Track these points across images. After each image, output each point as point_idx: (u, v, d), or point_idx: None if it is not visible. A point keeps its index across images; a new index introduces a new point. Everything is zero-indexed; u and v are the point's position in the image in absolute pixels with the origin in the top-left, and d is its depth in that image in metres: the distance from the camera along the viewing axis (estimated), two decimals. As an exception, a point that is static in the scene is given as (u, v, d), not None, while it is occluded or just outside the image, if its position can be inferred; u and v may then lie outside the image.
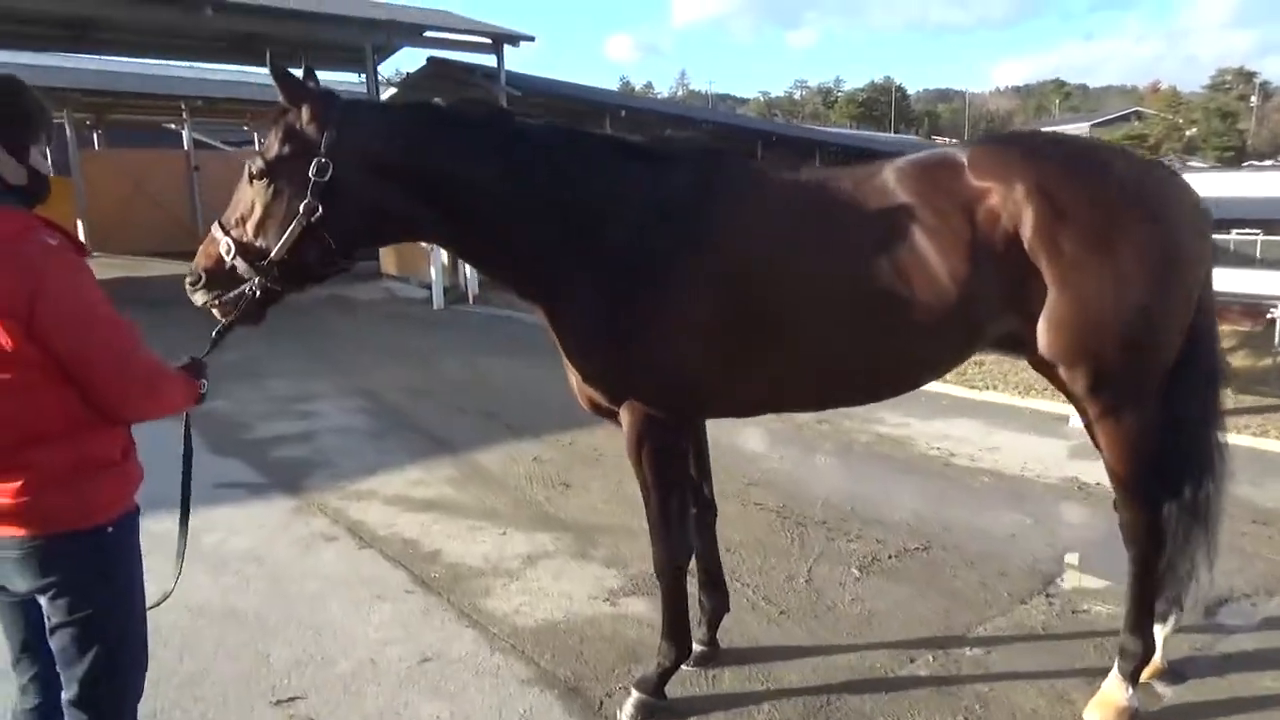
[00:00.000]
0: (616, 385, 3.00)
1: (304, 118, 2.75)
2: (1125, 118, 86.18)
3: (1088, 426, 3.17)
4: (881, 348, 2.93)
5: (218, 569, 4.55)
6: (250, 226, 2.76)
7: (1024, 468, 5.99)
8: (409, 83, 21.30)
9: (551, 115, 21.08)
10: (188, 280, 2.79)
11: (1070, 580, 4.33)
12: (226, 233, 2.77)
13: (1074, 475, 5.79)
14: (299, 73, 2.83)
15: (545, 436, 6.98)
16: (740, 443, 6.58)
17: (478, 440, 6.93)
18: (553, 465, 6.30)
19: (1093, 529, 4.95)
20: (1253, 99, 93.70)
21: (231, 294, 2.74)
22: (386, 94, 20.08)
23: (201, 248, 2.82)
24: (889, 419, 7.15)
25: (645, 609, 4.10)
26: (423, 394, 8.57)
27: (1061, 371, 2.89)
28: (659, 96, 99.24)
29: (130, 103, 25.41)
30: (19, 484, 1.96)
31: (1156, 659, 3.31)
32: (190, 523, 2.56)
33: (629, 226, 2.90)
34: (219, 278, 2.76)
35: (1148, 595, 3.17)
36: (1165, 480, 3.03)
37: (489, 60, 18.63)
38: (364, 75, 18.64)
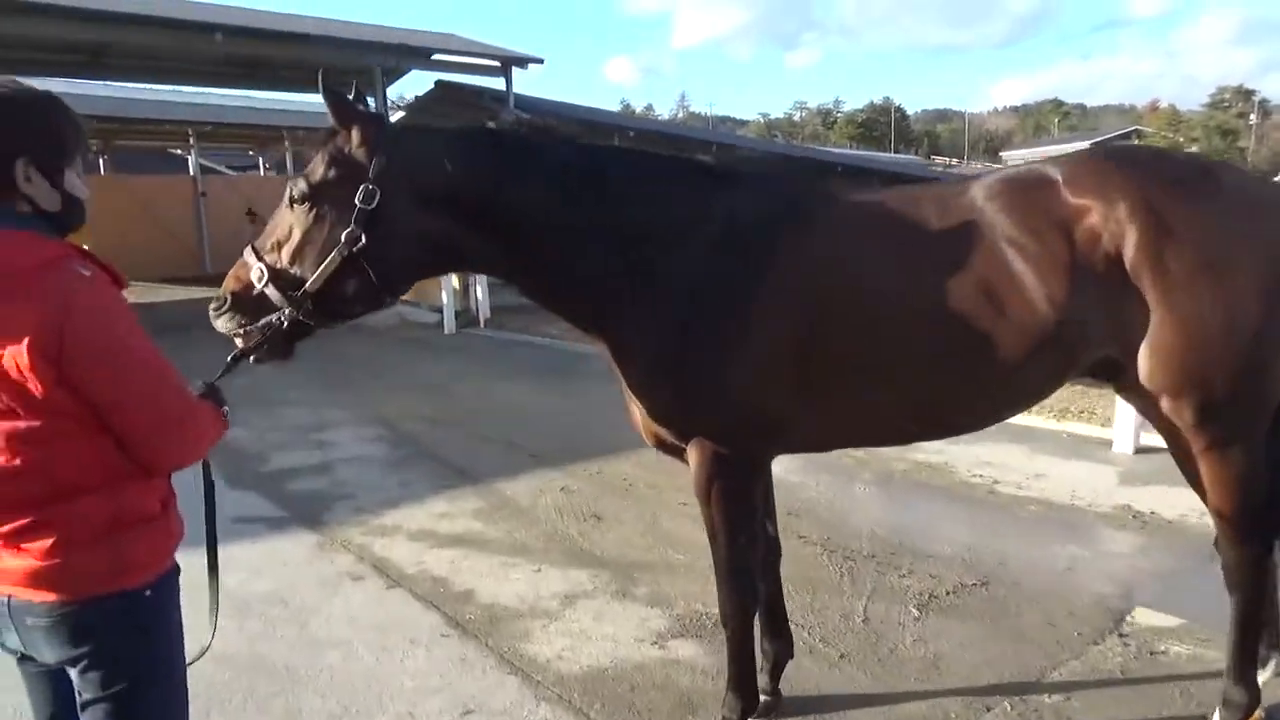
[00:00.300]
0: (684, 421, 2.80)
1: (353, 141, 2.59)
2: (1126, 136, 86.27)
3: (1181, 460, 2.96)
4: (971, 378, 2.73)
5: (241, 613, 4.32)
6: (286, 253, 2.59)
7: (1073, 495, 5.76)
8: (417, 106, 21.22)
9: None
10: (212, 305, 2.62)
11: (1142, 618, 4.10)
12: (260, 258, 2.60)
13: (1126, 503, 5.56)
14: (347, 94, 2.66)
15: (571, 465, 6.77)
16: (774, 469, 6.35)
17: (501, 470, 6.71)
18: (582, 496, 6.07)
19: (1155, 561, 4.73)
20: (1252, 117, 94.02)
21: (259, 323, 2.56)
22: (395, 117, 20.01)
23: (232, 271, 2.65)
24: (925, 445, 6.91)
25: (696, 653, 3.87)
26: (440, 421, 8.36)
27: (1164, 402, 2.68)
28: (659, 118, 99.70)
29: (138, 128, 25.38)
30: (48, 544, 1.76)
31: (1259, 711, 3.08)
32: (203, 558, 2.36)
33: (698, 252, 2.72)
34: (247, 304, 2.58)
35: (1251, 641, 2.96)
36: (1275, 519, 2.82)
37: (496, 83, 18.56)
38: (372, 99, 18.64)
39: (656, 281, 2.72)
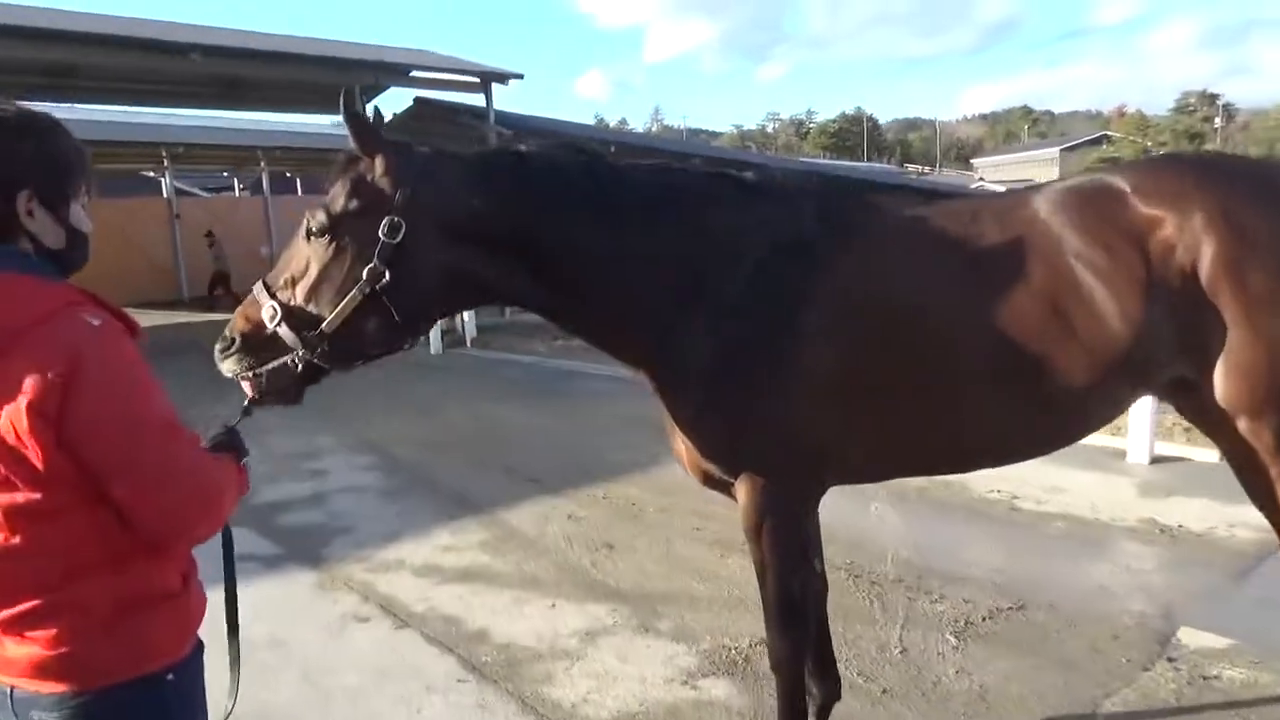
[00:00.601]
0: (734, 453, 2.61)
1: (377, 170, 2.39)
2: (1095, 141, 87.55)
3: (1250, 482, 2.80)
4: (1038, 402, 2.56)
5: (243, 660, 4.06)
6: (302, 290, 2.38)
7: (1095, 510, 5.62)
8: (395, 124, 20.96)
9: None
10: (217, 347, 2.40)
11: (1188, 639, 3.94)
12: (272, 295, 2.39)
13: (1150, 517, 5.43)
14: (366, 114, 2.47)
15: (575, 490, 6.55)
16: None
17: (503, 497, 6.49)
18: (590, 523, 5.86)
19: (1191, 577, 4.59)
20: (1217, 120, 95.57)
21: (270, 365, 2.35)
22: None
23: (239, 310, 2.44)
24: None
25: (730, 692, 3.68)
26: (435, 447, 8.12)
27: (1242, 423, 2.52)
28: (634, 131, 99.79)
29: (109, 151, 24.96)
30: (55, 630, 1.53)
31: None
32: (217, 608, 2.13)
33: (746, 273, 2.54)
34: (257, 345, 2.37)
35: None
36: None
37: (474, 99, 18.37)
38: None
39: (703, 307, 2.54)
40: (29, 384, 1.44)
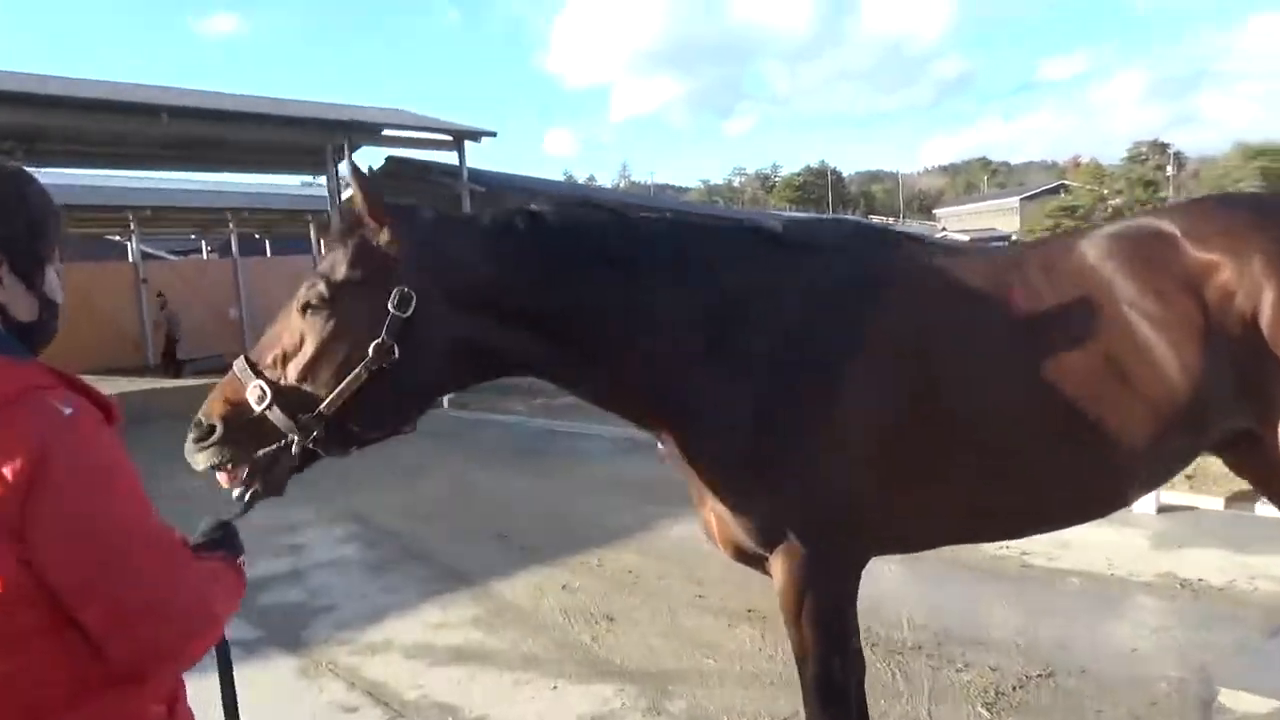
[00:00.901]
0: (771, 522, 2.40)
1: (383, 236, 2.20)
2: (1053, 190, 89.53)
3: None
4: (1094, 462, 2.39)
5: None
6: (296, 367, 2.16)
7: (1110, 565, 5.44)
8: (367, 183, 20.80)
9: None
10: (190, 436, 2.14)
11: (1229, 701, 3.75)
12: (259, 373, 2.16)
13: (1169, 570, 5.26)
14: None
15: (568, 559, 6.28)
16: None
17: (493, 568, 6.19)
18: (587, 594, 5.58)
19: (1220, 635, 4.40)
20: (1169, 169, 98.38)
21: (260, 453, 2.11)
22: (347, 194, 19.63)
23: (216, 393, 2.18)
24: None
25: (756, 782, 3.41)
26: (418, 515, 7.80)
27: None
28: (602, 188, 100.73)
29: (77, 215, 24.64)
30: None
31: None
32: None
33: (780, 329, 2.37)
34: (240, 431, 2.12)
35: None
36: None
37: (446, 156, 18.33)
38: (321, 175, 18.30)
39: (736, 365, 2.36)
40: None
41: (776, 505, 2.39)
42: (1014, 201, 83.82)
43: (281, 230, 31.07)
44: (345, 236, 2.23)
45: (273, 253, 32.09)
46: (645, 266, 2.36)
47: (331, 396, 2.13)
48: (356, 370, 2.13)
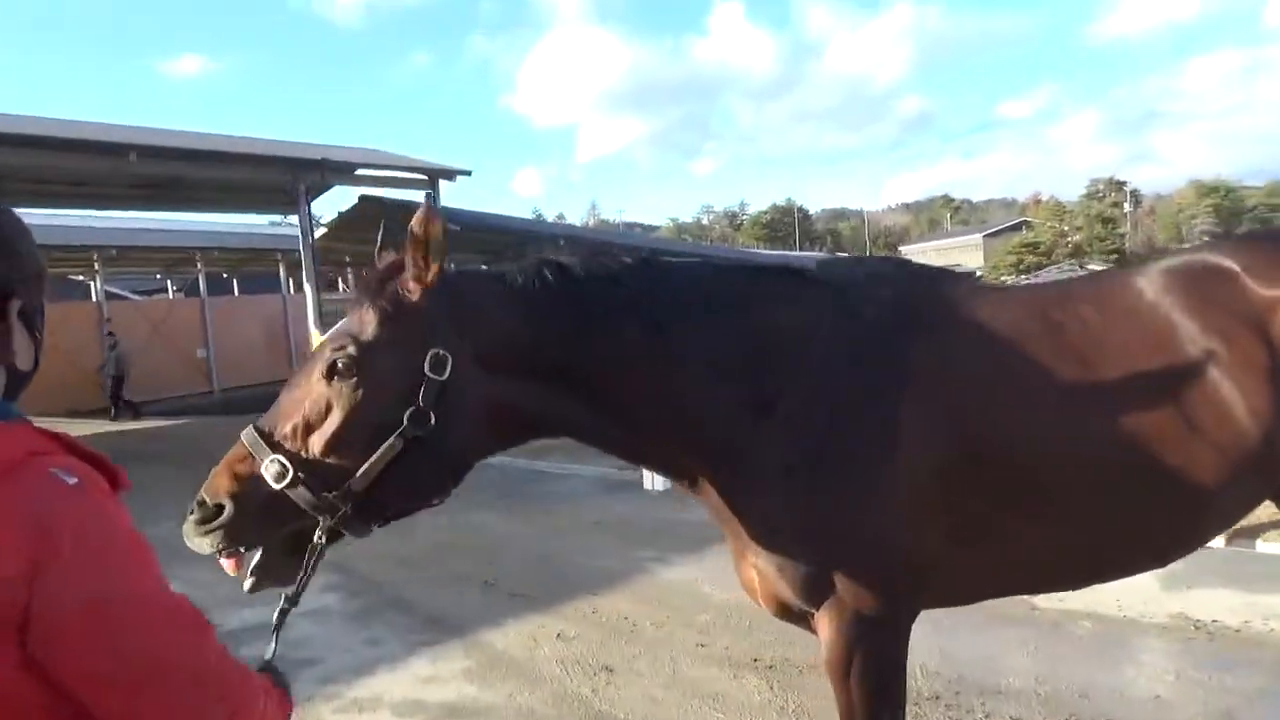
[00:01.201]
0: (818, 576, 2.25)
1: (415, 293, 2.06)
2: (1015, 227, 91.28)
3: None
4: (1156, 509, 2.28)
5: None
6: (321, 439, 1.98)
7: (1120, 606, 5.32)
8: (340, 222, 20.65)
9: (493, 249, 20.68)
10: (191, 518, 1.94)
11: (1261, 753, 3.63)
12: (275, 446, 1.97)
13: (1180, 611, 5.16)
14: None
15: (560, 606, 6.06)
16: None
17: (483, 616, 5.96)
18: (583, 643, 5.37)
19: (1242, 679, 4.30)
20: (1126, 206, 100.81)
21: (277, 536, 1.94)
22: (318, 234, 19.42)
23: (221, 468, 1.99)
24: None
25: None
26: (403, 561, 7.51)
27: None
28: (573, 226, 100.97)
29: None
30: None
31: None
32: None
33: (825, 373, 2.24)
34: (255, 513, 1.93)
35: None
36: None
37: (420, 195, 18.19)
38: (292, 215, 18.08)
39: (779, 414, 2.22)
40: None
41: (824, 559, 2.24)
42: (977, 238, 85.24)
43: (249, 270, 30.70)
44: (374, 293, 2.08)
45: (240, 292, 31.66)
46: (681, 315, 2.24)
47: (364, 470, 1.95)
48: (390, 440, 1.96)
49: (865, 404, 2.23)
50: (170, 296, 31.92)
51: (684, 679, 4.76)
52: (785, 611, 2.41)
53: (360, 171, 17.63)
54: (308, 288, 16.21)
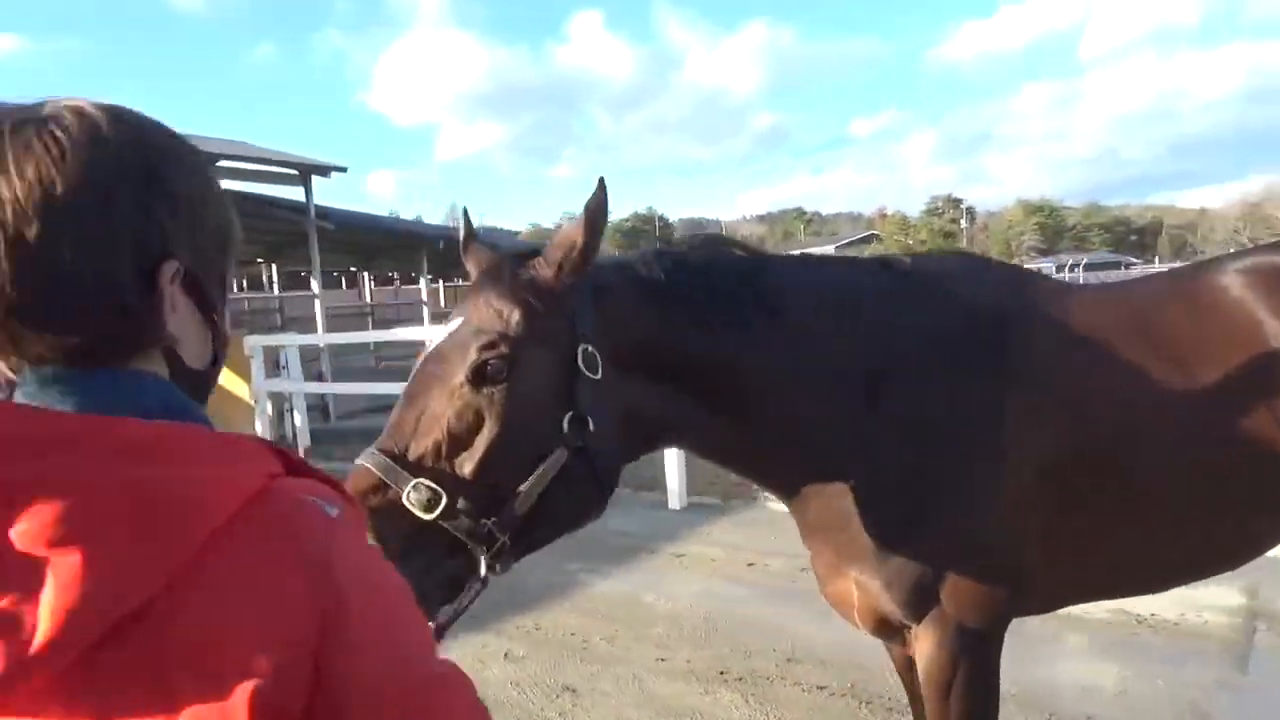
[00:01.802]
0: (925, 588, 2.13)
1: (550, 277, 1.82)
2: (865, 239, 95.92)
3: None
4: (1247, 510, 2.27)
5: None
6: (472, 457, 1.68)
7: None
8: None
9: (366, 250, 19.81)
10: None
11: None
12: (416, 469, 1.66)
13: (1118, 607, 5.33)
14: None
15: (501, 623, 5.72)
16: (737, 607, 5.68)
17: (416, 638, 5.54)
18: (535, 663, 5.07)
19: (1196, 672, 4.47)
20: (963, 222, 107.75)
21: (433, 576, 1.66)
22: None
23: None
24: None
25: None
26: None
27: None
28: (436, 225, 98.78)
29: None
30: None
31: None
32: None
33: (936, 377, 2.14)
34: (397, 553, 1.59)
35: None
36: None
37: (290, 191, 17.25)
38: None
39: (890, 419, 2.11)
40: (243, 654, 0.73)
41: (934, 569, 2.12)
42: (830, 249, 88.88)
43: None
44: (509, 282, 1.81)
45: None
46: (797, 315, 2.08)
47: (526, 489, 1.69)
48: (556, 453, 1.70)
49: (976, 408, 2.13)
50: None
51: (653, 696, 4.55)
52: (883, 627, 2.27)
53: (223, 164, 16.49)
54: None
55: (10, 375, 0.78)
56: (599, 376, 1.78)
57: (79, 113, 0.83)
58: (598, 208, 1.84)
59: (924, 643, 2.19)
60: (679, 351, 1.96)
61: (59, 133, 0.80)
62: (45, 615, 0.66)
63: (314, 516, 0.82)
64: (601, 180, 1.88)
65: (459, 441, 1.69)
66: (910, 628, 2.21)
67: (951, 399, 2.12)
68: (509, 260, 1.89)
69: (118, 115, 0.86)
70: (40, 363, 0.79)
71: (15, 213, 0.76)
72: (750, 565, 6.48)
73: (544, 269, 1.83)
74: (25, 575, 0.67)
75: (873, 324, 2.14)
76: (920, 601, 2.15)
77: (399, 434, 1.71)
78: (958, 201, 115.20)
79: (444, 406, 1.71)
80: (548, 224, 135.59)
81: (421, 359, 1.80)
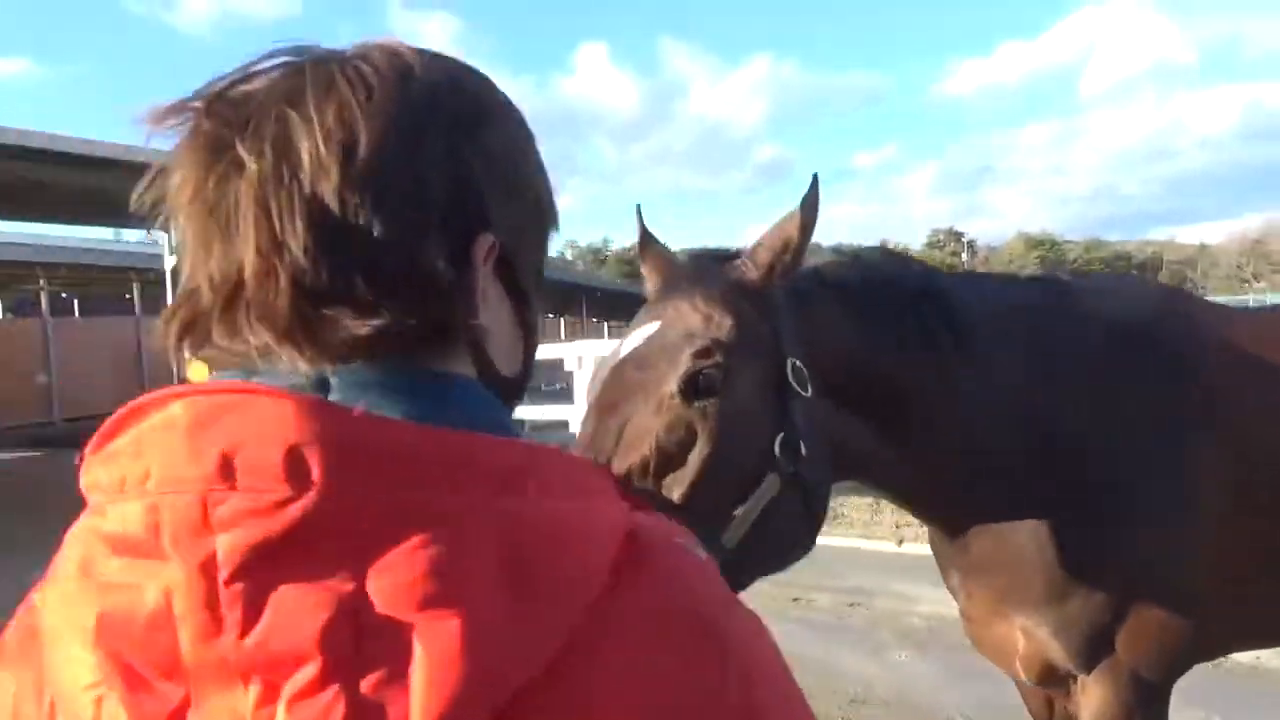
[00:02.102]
0: (1103, 633, 1.96)
1: (756, 279, 1.66)
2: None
3: None
4: None
5: None
6: (684, 478, 1.48)
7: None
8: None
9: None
10: None
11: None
12: (624, 487, 1.47)
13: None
14: None
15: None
16: (785, 645, 5.47)
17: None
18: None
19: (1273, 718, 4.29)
20: (964, 255, 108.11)
21: None
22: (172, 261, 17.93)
23: None
24: (918, 594, 6.29)
25: None
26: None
27: None
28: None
29: None
30: None
31: None
32: None
33: (1115, 407, 1.98)
34: None
35: None
36: None
37: None
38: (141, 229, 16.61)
39: (1077, 449, 1.95)
40: None
41: (1111, 613, 1.95)
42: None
43: (95, 289, 28.25)
44: (717, 284, 1.63)
45: (81, 314, 29.06)
46: (982, 336, 1.91)
47: (740, 515, 1.49)
48: (770, 477, 1.52)
49: (1162, 442, 1.97)
50: (0, 316, 28.92)
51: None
52: (1050, 675, 2.08)
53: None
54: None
55: (307, 371, 0.61)
56: (809, 394, 1.60)
57: (391, 51, 0.67)
58: (813, 205, 1.68)
59: (1094, 695, 2.00)
60: (872, 373, 1.79)
61: (367, 69, 0.65)
62: (420, 705, 0.49)
63: (696, 571, 0.64)
64: (815, 176, 1.73)
65: (669, 459, 1.48)
66: (1076, 678, 2.04)
67: (1132, 437, 1.97)
68: (711, 262, 1.73)
69: (435, 55, 0.71)
70: (345, 358, 0.61)
71: (311, 165, 0.61)
72: (795, 600, 6.28)
73: (752, 271, 1.66)
74: (388, 647, 0.50)
75: (1052, 348, 1.99)
76: (1094, 650, 1.98)
77: (599, 446, 1.48)
78: (959, 235, 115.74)
79: (652, 419, 1.49)
80: (553, 253, 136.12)
81: (612, 364, 1.59)
